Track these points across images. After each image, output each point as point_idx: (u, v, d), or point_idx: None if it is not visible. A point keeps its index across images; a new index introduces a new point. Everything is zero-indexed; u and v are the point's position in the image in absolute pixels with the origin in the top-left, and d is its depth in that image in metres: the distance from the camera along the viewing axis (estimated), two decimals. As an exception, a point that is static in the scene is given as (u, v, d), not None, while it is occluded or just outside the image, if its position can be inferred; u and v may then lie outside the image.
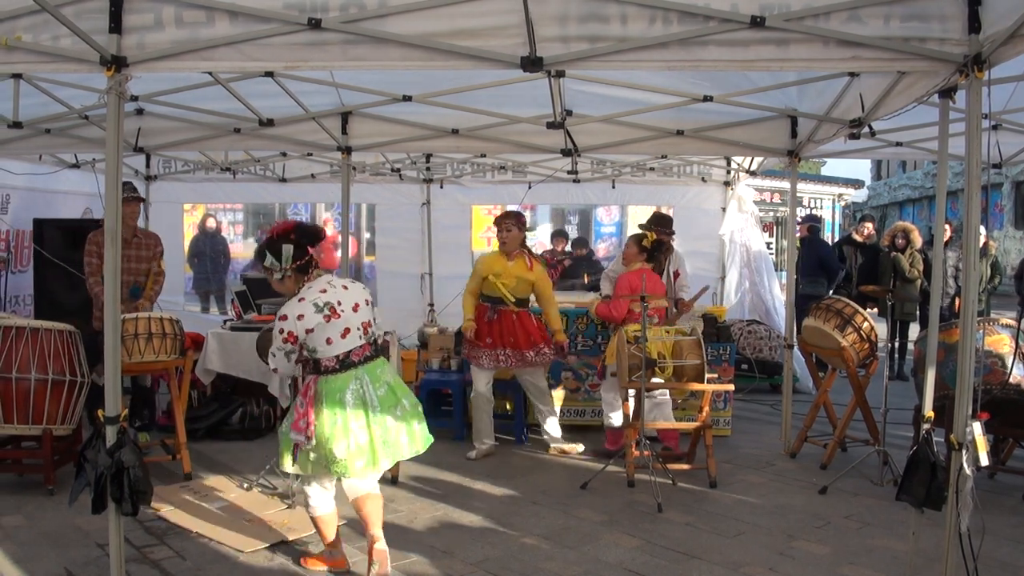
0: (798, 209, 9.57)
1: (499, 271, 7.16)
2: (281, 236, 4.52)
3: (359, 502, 4.63)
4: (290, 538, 5.18)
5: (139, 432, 7.11)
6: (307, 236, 4.56)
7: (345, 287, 4.56)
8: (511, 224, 7.23)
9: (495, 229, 7.36)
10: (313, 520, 4.74)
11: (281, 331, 4.38)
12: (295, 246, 4.49)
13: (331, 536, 4.73)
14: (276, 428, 7.73)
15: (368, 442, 4.39)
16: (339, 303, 4.44)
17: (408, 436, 4.54)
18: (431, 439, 4.71)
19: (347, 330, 4.43)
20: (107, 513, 4.05)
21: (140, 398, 7.71)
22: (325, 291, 4.45)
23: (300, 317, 4.36)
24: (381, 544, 4.57)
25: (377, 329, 4.75)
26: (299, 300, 4.42)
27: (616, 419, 7.14)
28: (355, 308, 4.50)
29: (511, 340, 7.14)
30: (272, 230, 4.65)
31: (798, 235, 10.71)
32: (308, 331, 4.36)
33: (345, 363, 4.43)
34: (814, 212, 22.66)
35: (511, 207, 8.93)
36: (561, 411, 8.14)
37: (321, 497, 4.65)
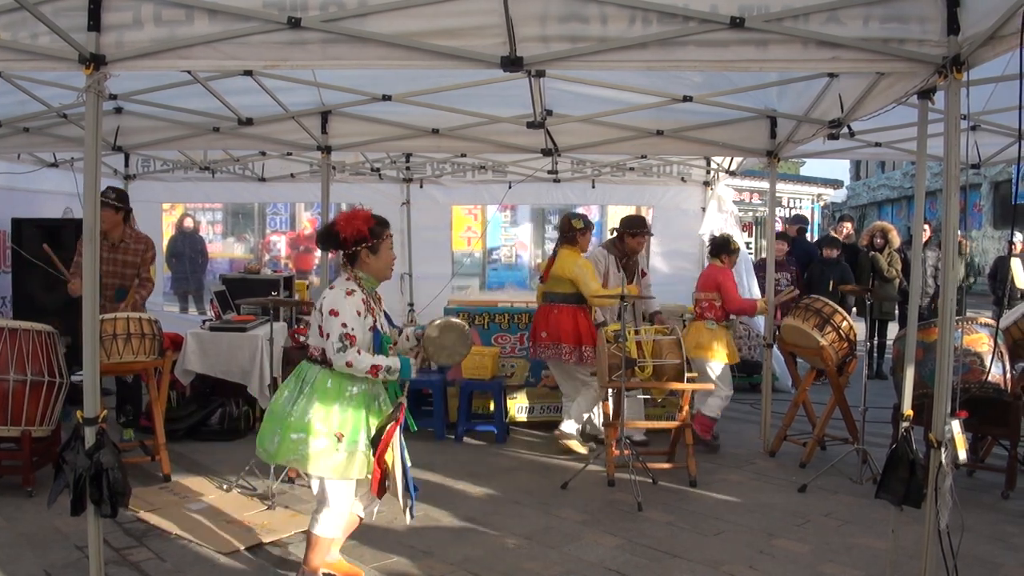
0: (783, 210, 9.59)
1: None
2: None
3: None
4: (269, 540, 5.16)
5: (124, 428, 7.11)
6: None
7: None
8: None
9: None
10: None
11: None
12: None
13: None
14: (255, 429, 7.71)
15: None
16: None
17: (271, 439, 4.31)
18: (278, 457, 4.29)
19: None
20: (86, 515, 4.02)
21: (124, 395, 7.66)
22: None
23: None
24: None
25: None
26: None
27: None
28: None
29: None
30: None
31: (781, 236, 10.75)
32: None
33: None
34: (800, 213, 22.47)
35: (491, 207, 8.90)
36: (540, 408, 8.17)
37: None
